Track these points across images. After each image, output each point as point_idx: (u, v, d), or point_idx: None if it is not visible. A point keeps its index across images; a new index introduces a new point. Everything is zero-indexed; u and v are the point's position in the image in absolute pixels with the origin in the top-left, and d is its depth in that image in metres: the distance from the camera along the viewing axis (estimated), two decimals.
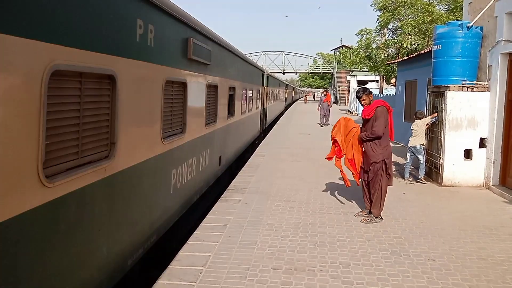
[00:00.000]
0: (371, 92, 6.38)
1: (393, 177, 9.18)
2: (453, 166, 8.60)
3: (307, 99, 66.07)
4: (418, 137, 9.00)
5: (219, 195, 7.46)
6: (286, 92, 39.48)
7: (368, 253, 4.93)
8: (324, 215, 6.40)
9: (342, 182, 8.29)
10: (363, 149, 6.30)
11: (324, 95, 23.19)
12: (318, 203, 7.04)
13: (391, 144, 6.39)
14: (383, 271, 4.45)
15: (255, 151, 12.73)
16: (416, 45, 21.14)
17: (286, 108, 40.96)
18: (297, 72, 74.14)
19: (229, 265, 4.50)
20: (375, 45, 25.71)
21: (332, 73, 63.68)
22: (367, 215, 6.19)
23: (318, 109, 23.07)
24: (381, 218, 6.12)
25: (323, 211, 6.60)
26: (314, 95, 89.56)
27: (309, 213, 6.45)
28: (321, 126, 21.50)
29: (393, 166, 10.42)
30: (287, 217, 6.25)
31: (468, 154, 8.63)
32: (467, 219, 6.39)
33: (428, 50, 12.09)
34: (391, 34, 25.71)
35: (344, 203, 7.03)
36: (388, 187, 6.28)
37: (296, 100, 65.68)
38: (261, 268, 4.46)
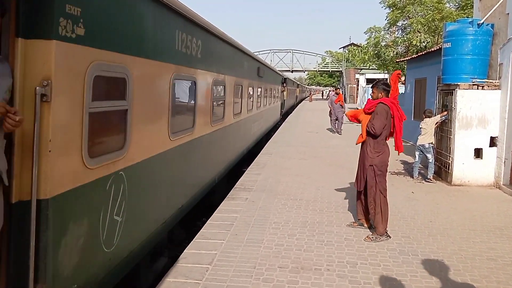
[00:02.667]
0: (387, 90, 5.54)
1: (403, 176, 9.23)
2: (462, 165, 8.50)
3: (312, 98, 65.38)
4: (427, 136, 8.93)
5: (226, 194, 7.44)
6: (284, 92, 25.47)
7: (375, 253, 4.88)
8: (332, 213, 6.36)
9: (350, 181, 8.26)
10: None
11: (336, 94, 18.32)
12: (325, 201, 7.00)
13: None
14: (391, 271, 4.41)
15: (262, 150, 12.69)
16: (425, 43, 20.92)
17: (285, 115, 27.50)
18: (305, 70, 73.89)
19: (235, 264, 4.49)
20: (384, 43, 25.51)
21: (341, 71, 63.29)
22: (372, 233, 5.42)
23: (329, 114, 18.20)
24: (388, 235, 5.34)
25: (331, 209, 6.56)
26: (323, 93, 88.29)
27: (316, 212, 6.41)
28: (333, 132, 17.52)
29: (402, 165, 10.46)
30: (294, 215, 6.22)
31: (478, 153, 8.52)
32: (476, 219, 6.31)
33: (438, 48, 11.96)
34: (400, 32, 25.51)
35: (352, 202, 6.97)
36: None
37: (302, 100, 58.85)
38: (268, 266, 4.44)
